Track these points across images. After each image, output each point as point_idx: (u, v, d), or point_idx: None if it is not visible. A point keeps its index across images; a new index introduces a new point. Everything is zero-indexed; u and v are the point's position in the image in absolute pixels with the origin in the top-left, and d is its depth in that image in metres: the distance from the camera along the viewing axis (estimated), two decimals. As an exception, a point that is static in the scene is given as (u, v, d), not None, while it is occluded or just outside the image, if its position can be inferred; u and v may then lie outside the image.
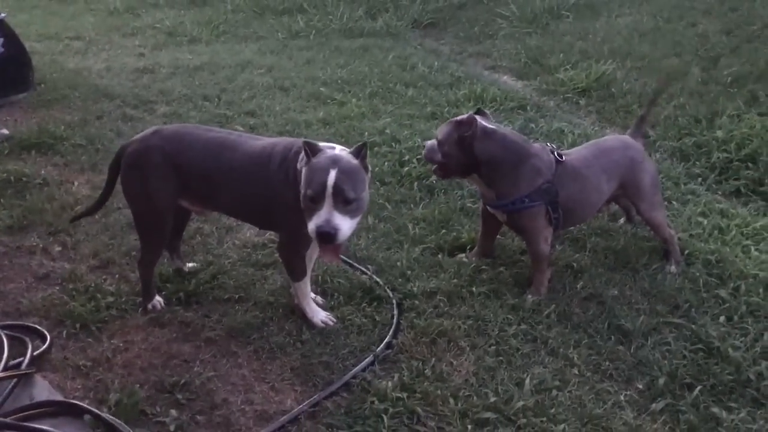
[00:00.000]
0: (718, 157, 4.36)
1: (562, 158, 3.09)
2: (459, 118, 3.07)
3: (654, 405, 2.48)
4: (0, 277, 3.23)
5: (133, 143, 2.85)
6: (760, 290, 3.07)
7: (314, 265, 3.18)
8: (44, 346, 2.74)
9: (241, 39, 7.58)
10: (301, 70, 6.32)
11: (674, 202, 3.89)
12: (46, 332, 2.82)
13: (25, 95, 5.54)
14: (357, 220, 2.52)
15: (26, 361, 2.62)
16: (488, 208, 3.19)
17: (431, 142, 3.14)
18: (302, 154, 2.55)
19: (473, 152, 2.98)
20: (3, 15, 5.51)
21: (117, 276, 3.22)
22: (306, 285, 2.88)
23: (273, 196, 2.68)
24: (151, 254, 2.95)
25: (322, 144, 2.58)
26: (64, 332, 2.85)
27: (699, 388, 2.53)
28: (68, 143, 4.57)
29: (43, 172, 4.18)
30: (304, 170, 2.50)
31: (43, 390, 2.55)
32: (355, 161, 2.47)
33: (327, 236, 2.41)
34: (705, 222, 3.66)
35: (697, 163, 4.41)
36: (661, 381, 2.57)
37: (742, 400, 2.51)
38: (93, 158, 4.38)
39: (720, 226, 3.63)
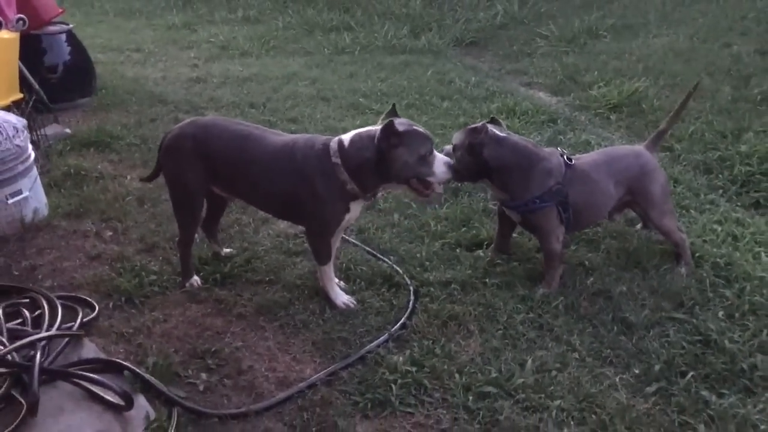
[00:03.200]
0: (740, 170, 4.47)
1: (571, 162, 3.27)
2: (472, 125, 3.27)
3: (648, 388, 2.63)
4: (57, 256, 3.57)
5: (173, 130, 3.17)
6: (765, 291, 3.18)
7: (339, 254, 3.44)
8: (92, 315, 3.05)
9: (290, 54, 7.97)
10: (344, 82, 6.63)
11: (692, 211, 4.02)
12: (95, 303, 3.12)
13: (88, 100, 5.98)
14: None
15: (76, 325, 2.93)
16: (504, 208, 3.39)
17: (448, 148, 3.33)
18: (334, 145, 2.87)
19: (483, 158, 3.19)
20: (71, 26, 5.97)
21: (161, 258, 3.53)
22: (330, 269, 3.12)
23: (299, 188, 2.93)
24: (186, 234, 3.25)
25: (348, 135, 2.95)
26: (111, 304, 3.16)
27: (692, 374, 2.67)
28: (123, 142, 4.95)
29: (99, 167, 4.56)
30: (403, 138, 2.81)
31: (90, 351, 2.83)
32: None
33: (451, 165, 2.93)
34: (719, 229, 3.78)
35: (720, 175, 4.52)
36: (657, 367, 2.72)
37: (734, 388, 2.64)
38: (145, 156, 4.74)
39: (734, 234, 3.75)
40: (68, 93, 5.82)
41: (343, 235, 3.66)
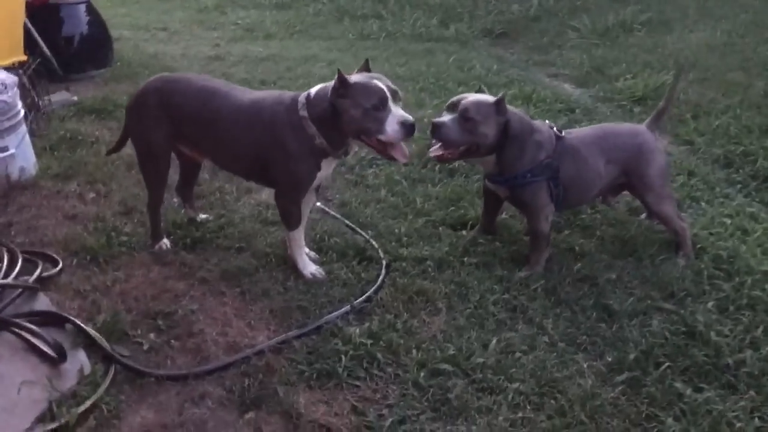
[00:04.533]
0: (763, 165, 4.17)
1: (561, 135, 3.07)
2: (490, 98, 2.98)
3: (618, 377, 2.42)
4: (35, 214, 3.52)
5: (139, 87, 3.08)
6: (767, 286, 2.92)
7: (315, 226, 3.31)
8: (54, 270, 2.98)
9: (313, 38, 7.88)
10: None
11: (702, 203, 3.75)
12: (59, 259, 3.06)
13: (102, 72, 5.98)
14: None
15: (32, 278, 2.85)
16: (489, 184, 3.19)
17: (449, 121, 2.94)
18: (302, 99, 2.74)
19: (508, 131, 2.96)
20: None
21: (136, 221, 3.44)
22: (300, 235, 2.99)
23: (268, 144, 2.81)
24: (154, 194, 3.15)
25: (316, 87, 2.82)
26: (74, 261, 3.08)
27: (668, 365, 2.44)
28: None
29: (97, 133, 4.52)
30: (351, 90, 2.64)
31: (42, 305, 2.76)
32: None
33: (410, 124, 2.64)
34: (729, 222, 3.51)
35: (741, 170, 4.22)
36: (632, 356, 2.50)
37: (716, 384, 2.40)
38: (144, 125, 4.68)
39: (744, 228, 3.47)
40: (83, 63, 5.83)
41: (321, 205, 3.53)
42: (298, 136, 2.75)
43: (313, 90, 2.79)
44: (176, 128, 2.97)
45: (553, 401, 2.30)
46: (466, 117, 2.92)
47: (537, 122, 3.10)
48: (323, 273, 2.99)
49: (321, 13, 9.15)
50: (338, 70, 2.66)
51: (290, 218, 2.96)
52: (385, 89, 2.64)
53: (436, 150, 3.02)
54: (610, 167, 3.12)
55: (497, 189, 3.16)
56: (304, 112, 2.75)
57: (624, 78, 5.99)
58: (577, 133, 3.19)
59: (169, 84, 3.00)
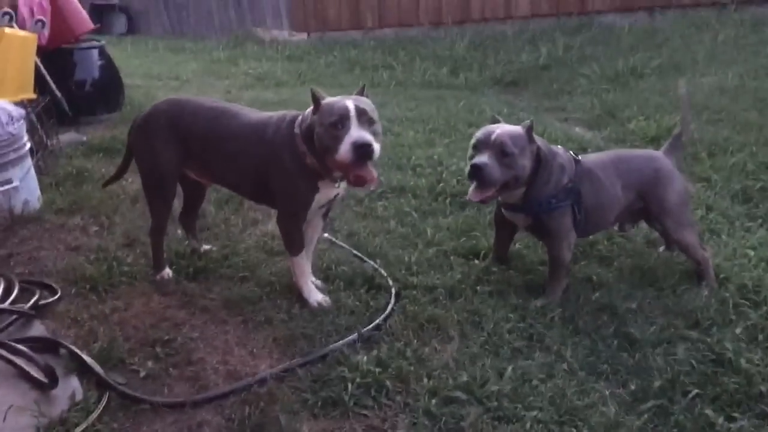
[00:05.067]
0: (784, 200, 4.06)
1: (578, 158, 2.99)
2: (518, 128, 2.87)
3: (643, 405, 2.26)
4: (36, 246, 3.45)
5: (145, 110, 3.04)
6: (797, 315, 2.77)
7: (323, 256, 3.20)
8: (52, 299, 2.88)
9: (324, 86, 7.89)
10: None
11: (723, 236, 3.62)
12: (57, 288, 2.96)
13: (114, 115, 5.99)
14: (379, 146, 2.59)
15: (28, 305, 2.76)
16: (508, 214, 3.08)
17: (488, 160, 2.77)
18: (300, 117, 2.65)
19: (540, 158, 2.86)
20: (102, 42, 6.07)
21: (138, 251, 3.36)
22: (303, 262, 2.88)
23: (269, 162, 2.75)
24: (158, 221, 3.07)
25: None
26: (73, 290, 2.98)
27: (696, 391, 2.29)
28: (134, 150, 4.88)
29: (103, 170, 4.47)
30: (317, 115, 2.58)
31: (37, 332, 2.66)
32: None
33: (364, 146, 2.47)
34: (752, 253, 3.38)
35: (761, 205, 4.11)
36: (657, 384, 2.35)
37: (749, 413, 2.24)
38: (152, 162, 4.64)
39: (769, 259, 3.34)
40: (94, 107, 5.86)
41: (329, 236, 3.44)
42: (293, 153, 2.70)
43: (310, 109, 2.73)
44: (185, 149, 2.92)
45: (574, 430, 2.14)
46: (504, 152, 2.77)
47: (554, 147, 3.02)
48: (329, 301, 2.87)
49: (332, 65, 9.23)
50: (311, 88, 2.62)
51: (291, 241, 2.86)
52: (351, 108, 2.52)
53: (475, 193, 2.85)
54: (626, 191, 3.02)
55: (516, 218, 3.05)
56: (297, 129, 2.69)
57: (636, 120, 5.94)
58: (592, 157, 3.11)
59: (177, 105, 2.97)
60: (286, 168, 2.70)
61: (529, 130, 2.85)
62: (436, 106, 6.64)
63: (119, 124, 5.72)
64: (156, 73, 8.41)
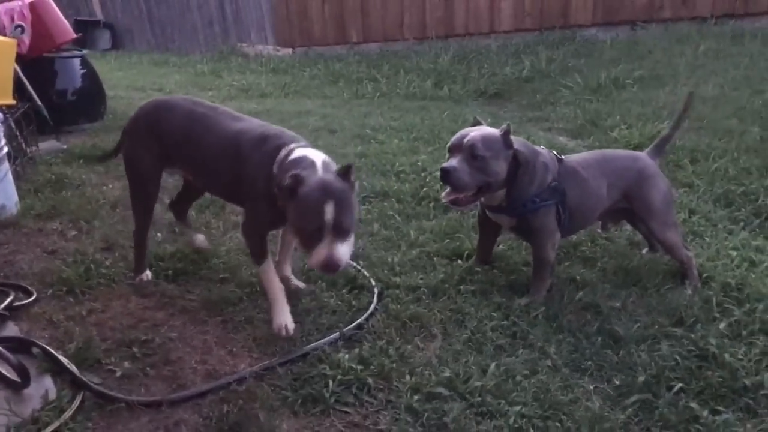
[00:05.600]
0: (765, 203, 4.07)
1: (561, 158, 2.99)
2: (494, 131, 2.83)
3: (627, 400, 2.23)
4: (12, 250, 3.39)
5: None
6: (781, 311, 2.77)
7: (303, 255, 3.16)
8: (26, 300, 2.82)
9: (308, 97, 7.92)
10: (355, 119, 6.48)
11: (706, 238, 3.63)
12: (32, 290, 2.90)
13: (95, 125, 5.94)
14: (353, 240, 2.44)
15: (1, 306, 2.70)
16: (492, 215, 3.06)
17: (457, 163, 2.77)
18: (280, 156, 2.54)
19: (518, 161, 2.83)
20: (84, 52, 6.03)
21: (117, 254, 3.31)
22: (269, 270, 2.72)
23: (242, 178, 2.66)
24: (140, 221, 3.03)
25: (297, 151, 2.51)
26: (49, 292, 2.93)
27: (681, 386, 2.26)
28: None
29: (83, 176, 4.43)
30: (295, 200, 2.37)
31: (11, 333, 2.60)
32: (344, 185, 2.37)
33: (333, 268, 2.34)
34: (734, 254, 3.37)
35: (743, 209, 4.12)
36: (641, 379, 2.32)
37: (734, 406, 2.22)
38: (133, 169, 4.59)
39: (751, 259, 3.33)
40: (75, 116, 5.82)
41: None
42: (267, 181, 2.55)
43: (292, 155, 2.51)
44: (164, 153, 2.88)
45: (558, 424, 2.11)
46: (474, 155, 2.74)
47: (537, 147, 3.01)
48: (293, 329, 2.63)
49: (316, 77, 9.24)
50: (296, 176, 2.34)
51: (255, 251, 2.73)
52: (329, 219, 2.30)
53: (448, 195, 2.84)
54: (611, 191, 3.01)
55: (500, 219, 3.02)
56: (275, 170, 2.52)
57: (619, 128, 5.97)
58: (577, 157, 3.10)
59: (158, 109, 2.93)
60: (257, 190, 2.59)
61: (506, 134, 2.81)
62: (420, 116, 6.64)
63: (100, 133, 5.68)
64: (140, 85, 8.37)
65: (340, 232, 2.33)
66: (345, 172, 2.40)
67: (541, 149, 3.00)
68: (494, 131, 2.84)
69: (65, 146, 5.09)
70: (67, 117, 5.68)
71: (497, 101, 8.08)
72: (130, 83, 8.50)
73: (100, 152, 4.89)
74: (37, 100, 5.14)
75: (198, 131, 2.80)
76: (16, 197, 3.83)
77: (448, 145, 2.89)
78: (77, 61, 5.94)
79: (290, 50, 10.43)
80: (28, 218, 3.77)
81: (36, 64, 5.48)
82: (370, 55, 10.04)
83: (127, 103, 6.99)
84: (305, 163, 2.45)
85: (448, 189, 2.83)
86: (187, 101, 2.97)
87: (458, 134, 2.88)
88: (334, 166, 2.49)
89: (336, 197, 2.32)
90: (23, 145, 4.53)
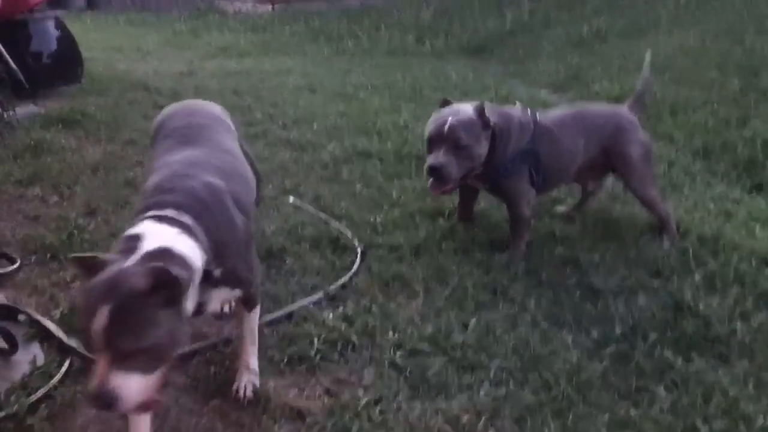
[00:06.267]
0: (743, 154, 4.13)
1: (537, 117, 2.98)
2: (470, 111, 2.80)
3: (605, 351, 2.30)
4: (-6, 218, 3.37)
5: None
6: (753, 261, 2.84)
7: (285, 216, 3.19)
8: (11, 268, 2.82)
9: (288, 55, 7.84)
10: (336, 77, 6.44)
11: (685, 190, 3.69)
12: (16, 258, 2.90)
13: (72, 88, 5.85)
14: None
15: (-14, 274, 2.71)
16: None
17: (443, 158, 2.75)
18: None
19: (494, 134, 2.83)
20: (59, 13, 5.91)
21: (100, 219, 3.30)
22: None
23: None
24: None
25: (141, 224, 1.73)
26: (33, 258, 2.93)
27: (656, 336, 2.33)
28: (94, 120, 4.79)
29: (63, 141, 4.38)
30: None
31: (-2, 300, 2.61)
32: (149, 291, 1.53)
33: (102, 405, 1.56)
34: (712, 206, 3.45)
35: (721, 161, 4.18)
36: (618, 331, 2.39)
37: (707, 354, 2.29)
38: (113, 132, 4.56)
39: (728, 211, 3.41)
40: (52, 79, 5.68)
41: (294, 199, 3.42)
42: None
43: (131, 229, 1.73)
44: None
45: (537, 376, 2.17)
46: (458, 146, 2.74)
47: (510, 109, 3.00)
48: (252, 392, 2.12)
49: (296, 34, 9.14)
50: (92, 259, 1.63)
51: None
52: (98, 327, 1.51)
53: (435, 188, 2.85)
54: (589, 147, 3.03)
55: (475, 183, 3.04)
56: None
57: (600, 82, 5.98)
58: (552, 115, 3.10)
59: (169, 110, 2.48)
60: None
61: (482, 113, 2.78)
62: (402, 73, 6.61)
63: (78, 96, 5.60)
64: (116, 46, 8.23)
65: (116, 355, 1.53)
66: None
67: (517, 110, 2.99)
68: (469, 111, 2.80)
69: (42, 110, 5.01)
70: (43, 80, 5.56)
71: (480, 56, 8.05)
72: (107, 44, 8.34)
73: (77, 115, 4.86)
74: (12, 63, 5.05)
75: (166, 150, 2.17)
76: (-6, 164, 3.80)
77: (426, 135, 2.85)
78: (51, 23, 5.79)
79: (269, 7, 10.27)
80: (8, 185, 3.74)
81: (9, 27, 5.35)
82: (350, 11, 9.94)
83: (105, 65, 6.89)
84: (126, 244, 1.68)
85: (432, 181, 2.83)
86: (192, 111, 2.42)
87: (435, 122, 2.83)
88: (191, 257, 1.70)
89: (117, 305, 1.51)
90: (1, 111, 4.46)
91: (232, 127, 2.45)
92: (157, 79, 6.23)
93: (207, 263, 1.75)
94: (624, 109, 3.20)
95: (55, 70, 5.73)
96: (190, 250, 1.71)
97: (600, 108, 3.30)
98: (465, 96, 5.64)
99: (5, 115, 4.57)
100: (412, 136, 4.33)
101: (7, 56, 4.99)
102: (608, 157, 3.09)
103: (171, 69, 6.82)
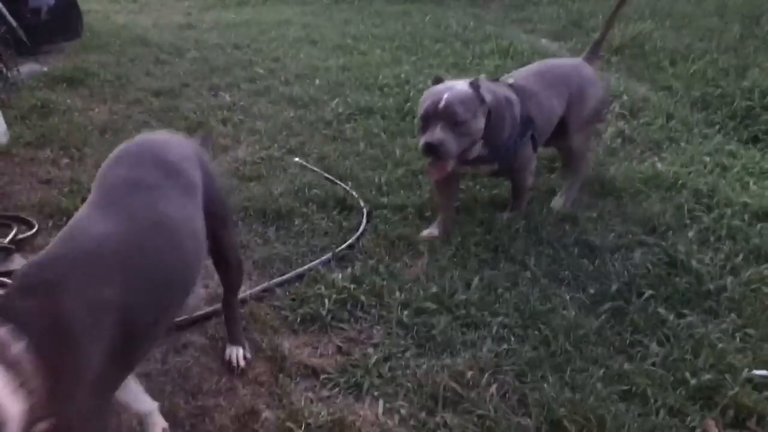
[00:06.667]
0: (741, 105, 4.17)
1: (511, 84, 2.92)
2: (465, 87, 2.69)
3: (601, 307, 2.42)
4: (8, 181, 3.45)
5: None
6: (746, 216, 2.94)
7: (291, 176, 3.28)
8: (29, 232, 2.93)
9: (287, 4, 7.77)
10: (336, 27, 6.42)
11: (682, 143, 3.76)
12: (34, 222, 3.01)
13: (72, 43, 5.86)
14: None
15: (7, 239, 2.81)
16: (468, 169, 2.93)
17: (440, 134, 2.62)
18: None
19: (490, 110, 2.73)
20: (55, -33, 5.85)
21: (112, 182, 3.39)
22: None
23: None
24: None
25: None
26: (50, 223, 3.03)
27: (650, 293, 2.45)
28: (98, 79, 4.83)
29: (68, 101, 4.43)
30: None
31: (17, 265, 2.72)
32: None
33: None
34: (708, 159, 3.53)
35: (719, 111, 4.23)
36: (614, 287, 2.51)
37: (698, 309, 2.41)
38: (117, 91, 4.61)
39: (723, 164, 3.49)
40: (52, 35, 5.70)
41: (300, 160, 3.50)
42: None
43: None
44: None
45: (537, 332, 2.30)
46: (455, 122, 2.62)
47: (491, 84, 2.86)
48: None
49: (294, -19, 9.01)
50: None
51: None
52: None
53: (434, 171, 2.73)
54: (560, 99, 2.99)
55: (479, 169, 2.94)
56: None
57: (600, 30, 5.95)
58: (520, 74, 3.06)
59: (115, 154, 2.05)
60: None
61: (478, 88, 2.69)
62: (402, 22, 6.59)
63: (80, 52, 5.62)
64: (113, -3, 8.15)
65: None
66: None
67: (496, 84, 2.88)
68: (465, 87, 2.70)
69: (45, 68, 5.05)
70: (44, 36, 5.57)
71: (480, 1, 7.96)
72: (102, -5, 8.26)
73: (81, 74, 4.89)
74: (13, 21, 5.05)
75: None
76: (4, 126, 3.86)
77: (420, 112, 2.73)
78: (48, -22, 5.76)
79: (265, -48, 10.08)
80: (18, 147, 3.82)
81: (7, -16, 5.33)
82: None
83: (103, 17, 6.87)
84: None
85: (430, 161, 2.74)
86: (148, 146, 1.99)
87: (429, 98, 2.70)
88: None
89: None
90: (4, 69, 4.50)
91: (198, 182, 1.92)
92: (156, 33, 6.22)
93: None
94: (583, 62, 3.19)
95: (54, 26, 5.74)
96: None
97: (564, 62, 3.31)
98: (465, 45, 5.67)
99: (9, 75, 4.61)
100: (414, 92, 4.37)
101: (7, 13, 4.99)
102: (568, 109, 3.02)
103: (170, 21, 6.79)
